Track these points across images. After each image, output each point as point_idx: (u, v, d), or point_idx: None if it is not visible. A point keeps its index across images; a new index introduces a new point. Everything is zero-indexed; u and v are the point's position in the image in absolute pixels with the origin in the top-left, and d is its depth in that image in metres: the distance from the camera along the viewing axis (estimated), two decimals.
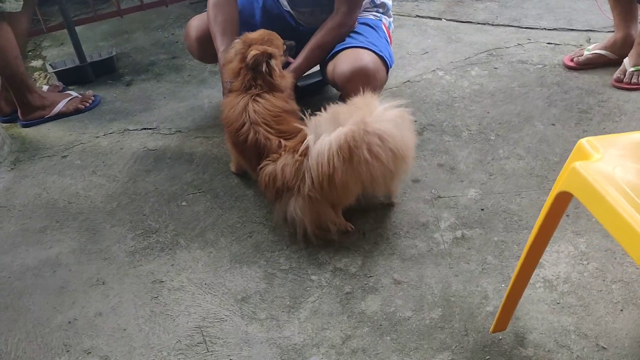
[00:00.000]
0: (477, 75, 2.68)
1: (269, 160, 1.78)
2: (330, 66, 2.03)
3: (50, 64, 3.01)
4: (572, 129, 2.28)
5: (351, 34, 2.07)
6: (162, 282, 1.78)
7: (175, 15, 3.59)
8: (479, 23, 3.18)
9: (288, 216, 1.78)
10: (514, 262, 1.73)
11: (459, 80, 2.65)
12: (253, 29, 2.08)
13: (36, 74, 3.14)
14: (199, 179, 2.20)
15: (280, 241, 1.89)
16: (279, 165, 1.75)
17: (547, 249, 1.73)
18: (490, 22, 3.18)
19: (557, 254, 1.75)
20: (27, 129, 2.60)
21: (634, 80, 2.45)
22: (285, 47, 1.91)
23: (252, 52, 1.80)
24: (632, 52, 2.48)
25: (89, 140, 2.51)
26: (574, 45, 2.84)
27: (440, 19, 3.28)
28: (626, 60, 2.49)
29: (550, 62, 2.72)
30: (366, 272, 1.75)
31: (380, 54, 2.01)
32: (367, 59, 1.95)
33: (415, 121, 2.39)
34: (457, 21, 3.24)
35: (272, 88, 1.83)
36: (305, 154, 1.70)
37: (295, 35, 2.08)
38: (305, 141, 1.71)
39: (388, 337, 1.55)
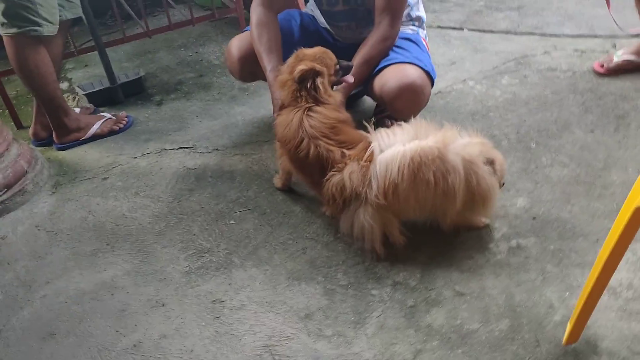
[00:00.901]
0: (508, 84, 2.70)
1: (335, 171, 1.79)
2: (376, 82, 2.04)
3: (78, 86, 3.02)
4: (612, 134, 2.29)
5: (394, 49, 2.09)
6: (222, 301, 1.77)
7: (197, 34, 3.61)
8: (501, 32, 3.21)
9: (356, 226, 1.78)
10: (574, 270, 1.74)
11: (491, 89, 2.67)
12: (292, 47, 2.09)
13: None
14: (244, 197, 2.20)
15: (335, 256, 1.89)
16: (346, 174, 1.75)
17: None
18: (512, 31, 3.21)
19: None
20: (64, 152, 2.61)
21: None
22: (338, 67, 1.92)
23: (300, 67, 1.82)
24: None
25: (127, 161, 2.51)
26: (601, 52, 2.87)
27: (462, 29, 3.31)
28: None
29: (580, 69, 2.74)
30: (426, 284, 1.75)
31: (426, 68, 2.02)
32: (414, 74, 1.96)
33: None
34: (479, 30, 3.27)
35: (318, 103, 1.84)
36: (370, 159, 1.71)
37: (333, 51, 2.09)
38: (370, 147, 1.72)
39: (459, 350, 1.54)
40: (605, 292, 1.64)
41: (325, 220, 2.04)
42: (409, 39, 2.16)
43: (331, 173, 1.79)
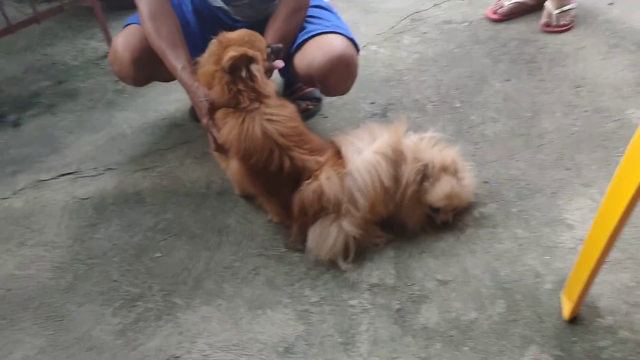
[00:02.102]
0: (411, 44, 2.57)
1: (309, 181, 1.54)
2: (299, 59, 1.78)
3: None
4: (528, 80, 2.26)
5: (308, 19, 1.83)
6: (178, 357, 1.45)
7: (39, 33, 3.02)
8: None
9: (335, 237, 1.56)
10: (544, 230, 1.67)
11: (396, 51, 2.53)
12: (191, 37, 1.77)
13: None
14: (163, 221, 1.85)
15: (294, 270, 1.64)
16: (323, 179, 1.54)
17: (568, 207, 1.70)
18: None
19: (579, 211, 1.71)
20: None
21: (562, 22, 2.50)
22: (270, 50, 1.63)
23: (230, 54, 1.50)
24: None
25: None
26: None
27: None
28: (548, 4, 2.53)
29: (474, 18, 2.69)
30: (405, 280, 1.58)
31: (349, 36, 1.80)
32: (341, 44, 1.73)
33: (373, 103, 2.24)
34: None
35: (259, 95, 1.55)
36: (344, 166, 1.57)
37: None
38: (342, 152, 1.58)
39: (466, 348, 1.40)
40: (579, 244, 1.58)
41: (269, 230, 1.77)
42: (319, 6, 1.91)
43: (306, 182, 1.54)
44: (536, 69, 2.31)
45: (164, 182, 2.01)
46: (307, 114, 2.19)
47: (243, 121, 1.52)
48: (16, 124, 2.42)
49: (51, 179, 2.09)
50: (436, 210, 1.66)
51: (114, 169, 2.10)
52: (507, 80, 2.28)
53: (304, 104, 2.19)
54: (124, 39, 1.79)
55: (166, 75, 1.76)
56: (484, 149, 1.97)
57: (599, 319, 1.42)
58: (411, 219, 1.65)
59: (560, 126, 2.03)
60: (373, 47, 2.57)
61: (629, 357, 1.34)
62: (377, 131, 1.65)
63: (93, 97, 2.52)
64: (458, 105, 2.18)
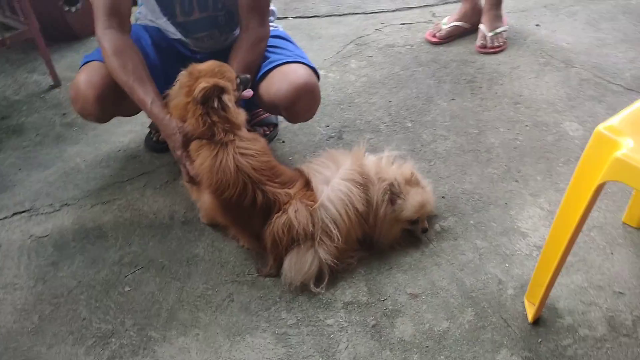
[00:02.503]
0: (358, 67, 2.67)
1: (279, 214, 1.57)
2: (264, 88, 1.82)
3: None
4: (471, 99, 2.41)
5: (269, 49, 1.88)
6: None
7: None
8: (326, 16, 3.18)
9: (310, 265, 1.59)
10: (501, 239, 1.78)
11: (344, 75, 2.62)
12: (152, 71, 1.77)
13: None
14: (129, 254, 1.83)
15: (269, 294, 1.67)
16: (292, 213, 1.57)
17: (520, 217, 1.82)
18: (336, 13, 3.19)
19: (531, 219, 1.84)
20: None
21: (496, 43, 2.68)
22: (239, 80, 1.65)
23: (202, 85, 1.53)
24: (485, 19, 2.71)
25: None
26: (424, 22, 3.01)
27: (286, 17, 3.19)
28: (482, 27, 2.71)
29: (415, 42, 2.84)
30: (377, 296, 1.64)
31: (311, 65, 1.86)
32: (304, 73, 1.79)
33: (328, 126, 2.31)
34: (303, 17, 3.19)
35: (232, 126, 1.57)
36: (314, 199, 1.62)
37: None
38: (309, 185, 1.63)
39: (442, 357, 1.47)
40: (537, 253, 1.70)
41: (239, 257, 1.79)
42: (279, 36, 1.97)
43: (275, 216, 1.57)
44: (477, 87, 2.47)
45: (125, 214, 1.98)
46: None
47: (216, 154, 1.55)
48: None
49: (4, 218, 2.01)
50: (415, 222, 1.73)
51: (70, 204, 2.05)
52: (452, 99, 2.41)
53: (261, 130, 2.23)
54: (86, 77, 1.77)
55: (130, 110, 1.76)
56: (437, 165, 2.08)
57: (559, 320, 1.53)
58: (388, 236, 1.72)
59: (505, 141, 2.17)
60: (322, 72, 2.63)
61: (589, 353, 1.45)
62: (339, 157, 1.72)
63: (40, 132, 2.45)
64: (409, 125, 2.28)
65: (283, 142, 2.25)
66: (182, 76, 1.61)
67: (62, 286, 1.74)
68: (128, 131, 2.37)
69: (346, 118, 2.35)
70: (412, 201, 1.68)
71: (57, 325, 1.62)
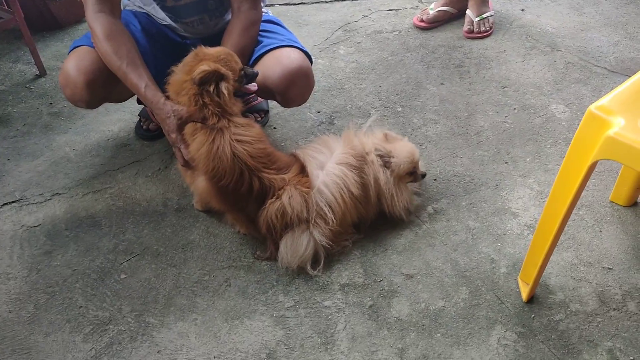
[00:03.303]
0: (347, 54, 2.68)
1: (273, 199, 1.58)
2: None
3: None
4: (459, 83, 2.43)
5: (262, 33, 1.87)
6: None
7: None
8: (313, 2, 3.17)
9: (305, 247, 1.60)
10: (493, 219, 1.81)
11: (334, 61, 2.62)
12: (143, 57, 1.76)
13: None
14: (123, 242, 1.82)
15: (265, 278, 1.68)
16: (286, 199, 1.58)
17: (510, 197, 1.85)
18: (323, 0, 3.18)
19: (521, 199, 1.87)
20: None
21: (482, 28, 2.70)
22: (242, 73, 1.65)
23: (202, 67, 1.52)
24: (472, 4, 2.73)
25: None
26: (412, 8, 3.01)
27: (272, 4, 3.18)
28: (469, 12, 2.72)
29: (403, 27, 2.85)
30: (373, 277, 1.66)
31: (303, 49, 1.86)
32: (298, 58, 1.79)
33: (319, 112, 2.32)
34: (290, 4, 3.18)
35: (224, 113, 1.58)
36: (309, 185, 1.63)
37: (183, 50, 1.79)
38: (304, 170, 1.65)
39: (438, 334, 1.50)
40: (528, 232, 1.73)
41: (234, 242, 1.79)
42: (271, 21, 1.96)
43: (269, 201, 1.59)
44: (465, 72, 2.49)
45: (117, 202, 1.98)
46: None
47: (213, 140, 1.55)
48: None
49: None
50: (413, 173, 1.77)
51: (61, 193, 2.04)
52: (441, 84, 2.43)
53: (252, 117, 2.23)
54: (75, 62, 1.75)
55: (121, 95, 1.75)
56: (429, 149, 2.10)
57: (551, 296, 1.57)
58: (401, 201, 1.74)
59: (494, 124, 2.20)
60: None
61: (581, 327, 1.49)
62: (331, 142, 1.73)
63: (27, 121, 2.42)
64: (399, 109, 2.30)
65: (274, 128, 2.25)
66: (188, 56, 1.60)
67: (56, 275, 1.73)
68: (117, 119, 2.35)
69: (337, 104, 2.35)
70: (402, 154, 1.72)
71: (53, 313, 1.62)
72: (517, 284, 1.60)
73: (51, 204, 1.99)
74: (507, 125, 2.19)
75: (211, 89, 1.54)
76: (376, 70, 2.54)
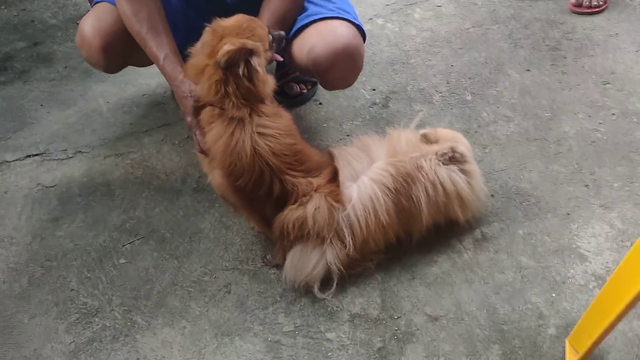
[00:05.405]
0: (422, 19, 2.31)
1: (295, 205, 1.37)
2: (297, 47, 1.55)
3: None
4: (550, 72, 2.02)
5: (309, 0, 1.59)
6: None
7: None
8: None
9: (314, 266, 1.39)
10: (553, 260, 1.48)
11: (404, 27, 2.27)
12: (171, 17, 1.53)
13: None
14: (131, 219, 1.68)
15: (269, 291, 1.48)
16: (310, 211, 1.35)
17: (582, 234, 1.51)
18: None
19: (595, 238, 1.51)
20: None
21: (595, 2, 2.22)
22: (271, 38, 1.39)
23: (226, 47, 1.27)
24: None
25: None
26: None
27: None
28: None
29: None
30: (391, 312, 1.41)
31: (356, 22, 1.56)
32: (346, 33, 1.49)
33: (374, 90, 2.01)
34: None
35: (251, 97, 1.33)
36: (339, 199, 1.39)
37: (223, 12, 1.52)
38: (337, 178, 1.40)
39: None
40: (594, 284, 1.40)
41: (245, 239, 1.60)
42: None
43: (290, 207, 1.37)
44: (560, 57, 2.06)
45: (136, 172, 1.83)
46: (299, 100, 1.98)
47: (232, 132, 1.31)
48: None
49: (16, 160, 1.92)
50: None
51: (84, 152, 1.92)
52: (526, 70, 2.03)
53: (297, 88, 1.97)
54: (92, 21, 1.56)
55: (143, 61, 1.56)
56: (493, 153, 1.76)
57: None
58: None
59: (582, 131, 1.80)
60: (379, 21, 2.31)
61: None
62: (373, 147, 1.45)
63: (69, 63, 2.30)
64: (469, 98, 1.95)
65: (320, 104, 1.99)
66: (206, 34, 1.36)
67: (58, 247, 1.63)
68: (157, 73, 2.11)
69: (397, 82, 2.03)
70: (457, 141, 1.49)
71: (44, 292, 1.52)
72: (564, 348, 1.30)
73: (72, 163, 1.89)
74: (599, 135, 1.78)
75: (241, 71, 1.28)
76: (452, 44, 2.16)
